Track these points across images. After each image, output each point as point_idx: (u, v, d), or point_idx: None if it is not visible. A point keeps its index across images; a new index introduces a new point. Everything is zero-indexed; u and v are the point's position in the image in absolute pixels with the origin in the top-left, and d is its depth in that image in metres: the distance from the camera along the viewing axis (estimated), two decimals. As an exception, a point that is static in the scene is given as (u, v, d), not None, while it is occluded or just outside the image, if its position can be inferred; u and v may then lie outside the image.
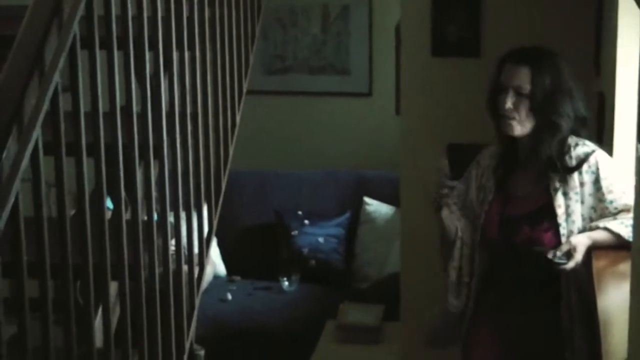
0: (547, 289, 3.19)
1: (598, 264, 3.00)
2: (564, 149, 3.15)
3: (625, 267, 3.01)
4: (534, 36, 3.78)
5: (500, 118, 3.19)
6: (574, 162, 3.13)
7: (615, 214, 3.10)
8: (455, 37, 4.20)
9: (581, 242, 3.07)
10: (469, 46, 4.16)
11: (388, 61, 5.79)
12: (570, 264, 3.04)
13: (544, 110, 3.14)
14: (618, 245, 3.06)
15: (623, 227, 3.06)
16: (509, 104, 3.14)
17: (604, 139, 3.54)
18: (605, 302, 2.73)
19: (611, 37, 3.49)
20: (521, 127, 3.17)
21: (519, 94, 3.14)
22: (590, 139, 3.20)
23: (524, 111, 3.15)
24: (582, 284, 3.13)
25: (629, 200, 3.09)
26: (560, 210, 3.13)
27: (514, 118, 3.16)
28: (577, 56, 3.76)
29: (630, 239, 3.01)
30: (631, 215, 3.06)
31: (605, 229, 3.08)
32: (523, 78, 3.15)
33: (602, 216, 3.12)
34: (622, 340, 2.38)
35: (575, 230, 3.12)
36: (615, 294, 2.85)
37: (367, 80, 6.17)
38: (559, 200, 3.14)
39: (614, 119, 3.42)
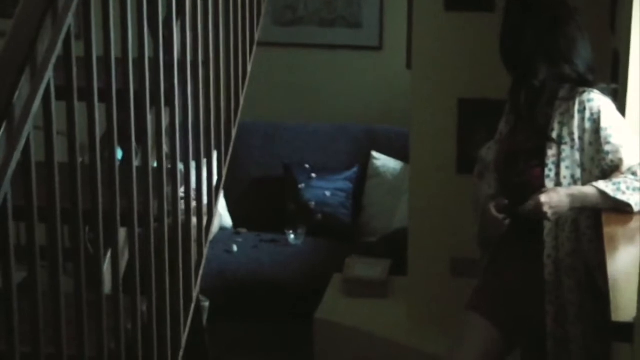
0: (534, 236, 3.20)
1: (608, 225, 3.00)
2: (541, 99, 3.17)
3: (635, 228, 3.02)
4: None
5: None
6: (577, 106, 3.12)
7: (612, 167, 3.10)
8: (469, -9, 4.17)
9: (549, 201, 3.07)
10: (483, 0, 4.12)
11: (400, 15, 5.75)
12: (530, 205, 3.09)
13: (511, 54, 3.24)
14: (607, 206, 3.07)
15: (611, 184, 3.06)
16: None
17: (618, 95, 3.52)
18: (615, 262, 2.73)
19: (628, -6, 3.46)
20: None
21: None
22: (605, 92, 3.19)
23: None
24: (585, 245, 3.14)
25: (625, 155, 3.09)
26: (550, 152, 3.13)
27: None
28: (592, 13, 3.73)
29: (617, 197, 3.03)
30: (624, 170, 3.07)
31: (592, 186, 3.08)
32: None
33: (600, 167, 3.11)
34: (631, 298, 2.38)
35: (568, 176, 3.12)
36: (624, 254, 2.85)
37: (378, 33, 6.13)
38: (552, 142, 3.14)
39: (627, 76, 3.39)
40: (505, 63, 3.25)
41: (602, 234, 2.93)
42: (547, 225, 3.14)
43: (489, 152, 3.41)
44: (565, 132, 3.12)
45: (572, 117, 3.12)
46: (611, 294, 2.46)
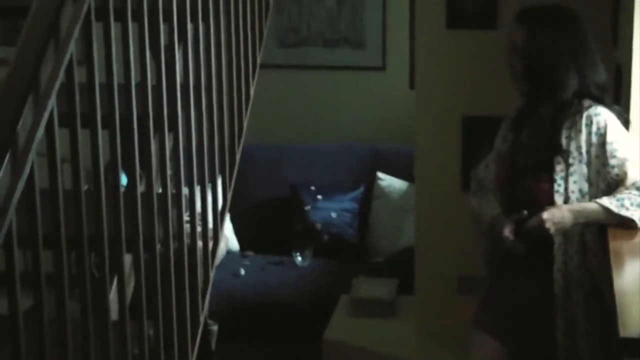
0: (542, 250, 3.19)
1: (614, 240, 3.00)
2: (563, 113, 3.16)
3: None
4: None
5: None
6: (584, 120, 3.13)
7: (617, 180, 3.11)
8: (471, 9, 4.16)
9: (551, 218, 3.08)
10: (485, 18, 4.13)
11: (402, 35, 5.76)
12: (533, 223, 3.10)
13: (542, 70, 3.17)
14: (611, 222, 3.08)
15: (615, 200, 3.07)
16: (513, 62, 3.21)
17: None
18: (621, 277, 2.73)
19: (628, 8, 3.46)
20: (518, 84, 3.21)
21: (515, 50, 3.21)
22: (611, 107, 3.20)
23: (518, 68, 3.20)
24: (591, 260, 3.14)
25: (630, 169, 3.10)
26: (558, 167, 3.15)
27: (512, 74, 3.22)
28: (594, 27, 3.73)
29: (621, 214, 3.03)
30: (628, 184, 3.08)
31: (596, 202, 3.09)
32: (519, 36, 3.20)
33: (605, 181, 3.12)
34: (639, 313, 2.38)
35: (576, 190, 3.13)
36: (631, 269, 2.85)
37: (381, 54, 6.15)
38: (560, 157, 3.15)
39: (630, 90, 3.40)
40: (529, 78, 3.22)
41: (607, 248, 2.94)
42: (557, 240, 3.14)
43: (487, 171, 3.41)
44: (573, 146, 3.14)
45: (580, 131, 3.13)
46: (618, 309, 2.46)
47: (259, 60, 3.64)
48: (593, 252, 3.14)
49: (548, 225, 3.07)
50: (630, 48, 3.39)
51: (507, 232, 3.18)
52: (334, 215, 5.70)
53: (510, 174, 3.29)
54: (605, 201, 3.07)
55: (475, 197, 3.43)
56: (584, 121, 3.14)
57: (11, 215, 1.90)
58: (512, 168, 3.29)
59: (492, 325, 3.30)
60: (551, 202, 3.13)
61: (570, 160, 3.14)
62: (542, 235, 3.11)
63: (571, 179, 3.13)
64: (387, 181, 5.80)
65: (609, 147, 3.11)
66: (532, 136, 3.27)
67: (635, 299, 2.51)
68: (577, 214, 3.09)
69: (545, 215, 3.08)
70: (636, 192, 3.07)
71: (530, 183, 3.21)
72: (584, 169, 3.13)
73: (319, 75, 6.26)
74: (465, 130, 4.29)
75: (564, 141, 3.15)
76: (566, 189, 3.14)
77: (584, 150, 3.13)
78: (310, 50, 6.24)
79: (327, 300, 5.07)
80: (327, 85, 6.26)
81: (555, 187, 3.15)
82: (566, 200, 3.13)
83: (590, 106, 3.16)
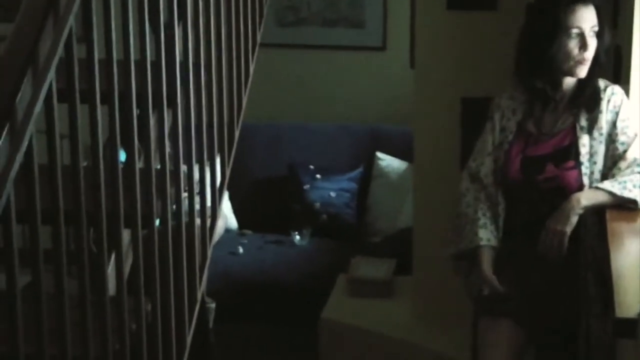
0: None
1: (612, 221, 3.01)
2: (597, 87, 3.20)
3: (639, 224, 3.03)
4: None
5: (570, 62, 3.19)
6: (605, 101, 3.16)
7: (622, 157, 3.13)
8: (471, -11, 4.16)
9: (555, 224, 3.12)
10: (486, -1, 4.12)
11: (403, 15, 5.75)
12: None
13: (604, 48, 3.22)
14: (613, 203, 3.11)
15: (617, 184, 3.08)
16: (592, 46, 3.16)
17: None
18: (619, 258, 2.73)
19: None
20: (587, 67, 3.20)
21: (590, 31, 3.18)
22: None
23: (593, 51, 3.19)
24: (592, 240, 3.14)
25: (634, 146, 3.12)
26: (584, 150, 3.16)
27: (588, 60, 3.18)
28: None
29: (624, 195, 3.05)
30: (629, 159, 3.10)
31: (597, 187, 3.10)
32: (594, 18, 3.19)
33: (613, 158, 3.14)
34: (635, 294, 2.38)
35: (596, 171, 3.14)
36: (628, 250, 2.86)
37: (381, 33, 6.13)
38: (584, 139, 3.17)
39: (630, 72, 3.40)
40: (598, 58, 3.22)
41: (605, 229, 2.95)
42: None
43: (482, 167, 3.37)
44: (593, 126, 3.17)
45: (601, 112, 3.16)
46: (615, 289, 2.47)
47: (259, 38, 3.63)
48: (592, 234, 3.15)
49: (559, 228, 3.08)
50: (630, 29, 3.39)
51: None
52: (332, 194, 5.71)
53: (523, 165, 3.26)
54: (608, 185, 3.08)
55: (467, 199, 3.39)
56: (605, 101, 3.17)
57: (9, 189, 1.90)
58: (523, 158, 3.26)
59: (509, 311, 3.22)
60: (580, 187, 3.14)
61: (592, 142, 3.16)
62: (560, 243, 3.11)
63: (591, 160, 3.16)
64: (387, 161, 5.80)
65: (620, 124, 3.15)
66: (552, 121, 3.26)
67: (632, 280, 2.52)
68: (578, 203, 3.10)
69: (550, 224, 3.10)
70: (638, 169, 3.09)
71: (554, 170, 3.20)
72: (603, 148, 3.16)
73: (318, 55, 6.25)
74: (464, 112, 4.29)
75: (585, 123, 3.17)
76: (592, 172, 3.16)
77: (604, 130, 3.16)
78: (309, 29, 6.22)
79: (324, 279, 5.08)
80: (327, 65, 6.25)
81: (583, 169, 3.16)
82: (591, 182, 3.15)
83: (607, 86, 3.19)
